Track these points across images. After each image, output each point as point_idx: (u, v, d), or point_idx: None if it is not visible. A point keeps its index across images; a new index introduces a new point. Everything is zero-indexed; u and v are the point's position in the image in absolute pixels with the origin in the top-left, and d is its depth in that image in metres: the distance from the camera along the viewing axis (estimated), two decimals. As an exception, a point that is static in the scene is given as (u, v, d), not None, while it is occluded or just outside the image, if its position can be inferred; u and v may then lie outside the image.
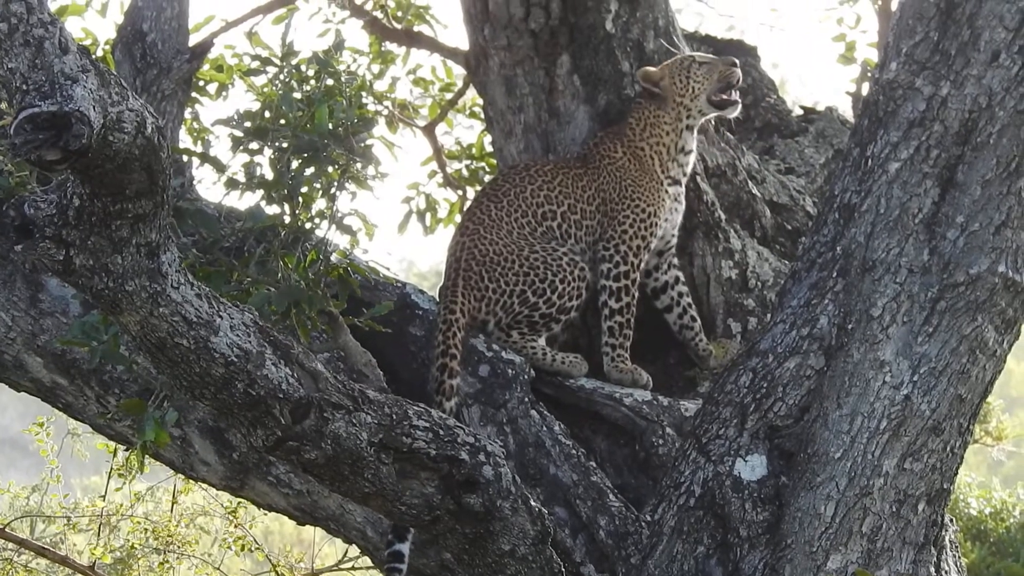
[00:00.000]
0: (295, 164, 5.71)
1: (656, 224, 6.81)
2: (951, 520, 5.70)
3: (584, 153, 6.98)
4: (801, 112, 8.55)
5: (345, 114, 5.69)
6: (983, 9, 5.30)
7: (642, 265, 6.80)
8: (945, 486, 5.37)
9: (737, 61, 6.95)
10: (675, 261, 7.02)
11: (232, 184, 5.76)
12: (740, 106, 6.97)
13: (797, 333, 5.50)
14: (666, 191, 6.87)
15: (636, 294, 6.77)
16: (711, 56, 6.99)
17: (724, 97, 6.90)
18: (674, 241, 6.98)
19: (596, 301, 6.80)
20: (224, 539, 12.02)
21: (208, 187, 8.20)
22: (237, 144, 5.79)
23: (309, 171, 5.70)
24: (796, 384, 5.46)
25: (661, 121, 6.90)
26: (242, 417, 4.74)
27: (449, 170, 9.53)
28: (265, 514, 9.37)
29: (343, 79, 5.85)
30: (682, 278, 7.04)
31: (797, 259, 5.71)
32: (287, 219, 5.72)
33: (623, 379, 6.71)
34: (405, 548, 5.93)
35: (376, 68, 8.88)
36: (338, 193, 5.77)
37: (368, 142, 5.78)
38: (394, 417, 5.01)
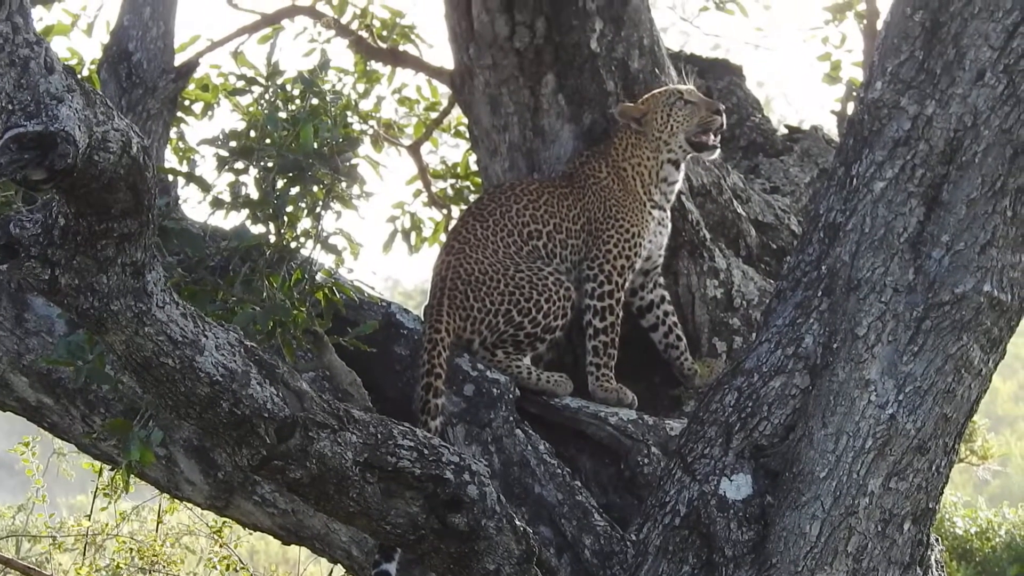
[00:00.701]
0: (280, 183, 5.70)
1: (640, 244, 6.81)
2: (936, 540, 5.70)
3: (569, 172, 6.98)
4: (786, 131, 8.57)
5: (330, 133, 5.69)
6: (968, 28, 5.29)
7: (627, 284, 6.80)
8: (930, 505, 5.36)
9: (723, 108, 6.92)
10: (661, 280, 7.03)
11: (217, 203, 5.75)
12: (719, 151, 6.96)
13: (782, 352, 5.50)
14: (650, 213, 6.87)
15: (620, 313, 6.77)
16: (700, 96, 6.93)
17: (703, 140, 6.89)
18: (660, 261, 6.98)
19: (581, 320, 6.80)
20: (209, 558, 12.03)
21: (193, 206, 8.18)
22: (222, 164, 5.79)
23: (294, 190, 5.70)
24: (781, 403, 5.45)
25: (642, 145, 6.90)
26: (227, 436, 4.74)
27: (434, 189, 9.55)
28: (250, 533, 9.38)
29: (328, 98, 5.85)
30: (668, 297, 7.04)
31: (782, 278, 5.70)
32: (272, 238, 5.71)
33: (608, 398, 6.70)
34: (392, 568, 5.91)
35: (361, 87, 8.89)
36: (323, 212, 5.76)
37: (353, 161, 5.78)
38: (379, 436, 5.01)
